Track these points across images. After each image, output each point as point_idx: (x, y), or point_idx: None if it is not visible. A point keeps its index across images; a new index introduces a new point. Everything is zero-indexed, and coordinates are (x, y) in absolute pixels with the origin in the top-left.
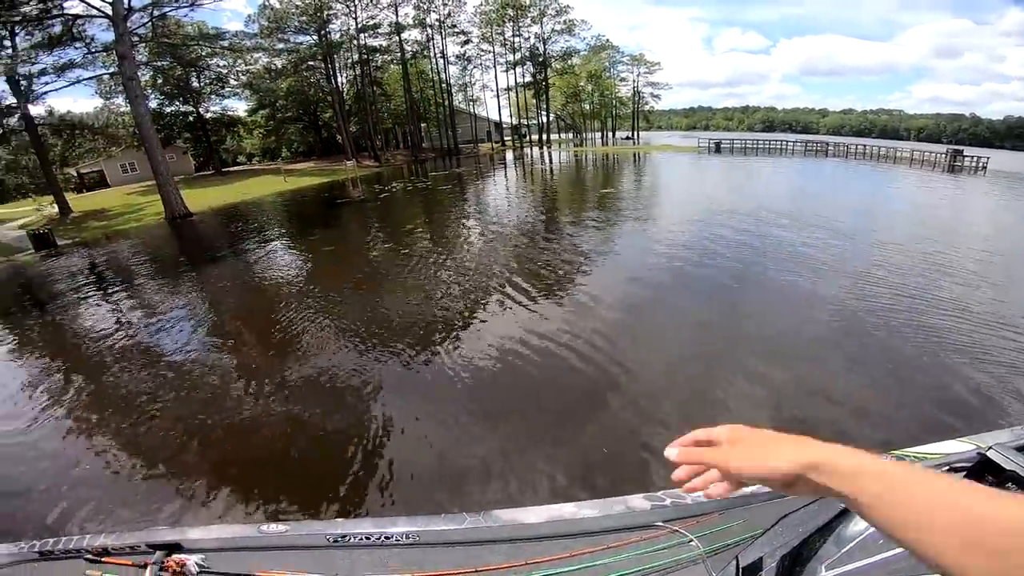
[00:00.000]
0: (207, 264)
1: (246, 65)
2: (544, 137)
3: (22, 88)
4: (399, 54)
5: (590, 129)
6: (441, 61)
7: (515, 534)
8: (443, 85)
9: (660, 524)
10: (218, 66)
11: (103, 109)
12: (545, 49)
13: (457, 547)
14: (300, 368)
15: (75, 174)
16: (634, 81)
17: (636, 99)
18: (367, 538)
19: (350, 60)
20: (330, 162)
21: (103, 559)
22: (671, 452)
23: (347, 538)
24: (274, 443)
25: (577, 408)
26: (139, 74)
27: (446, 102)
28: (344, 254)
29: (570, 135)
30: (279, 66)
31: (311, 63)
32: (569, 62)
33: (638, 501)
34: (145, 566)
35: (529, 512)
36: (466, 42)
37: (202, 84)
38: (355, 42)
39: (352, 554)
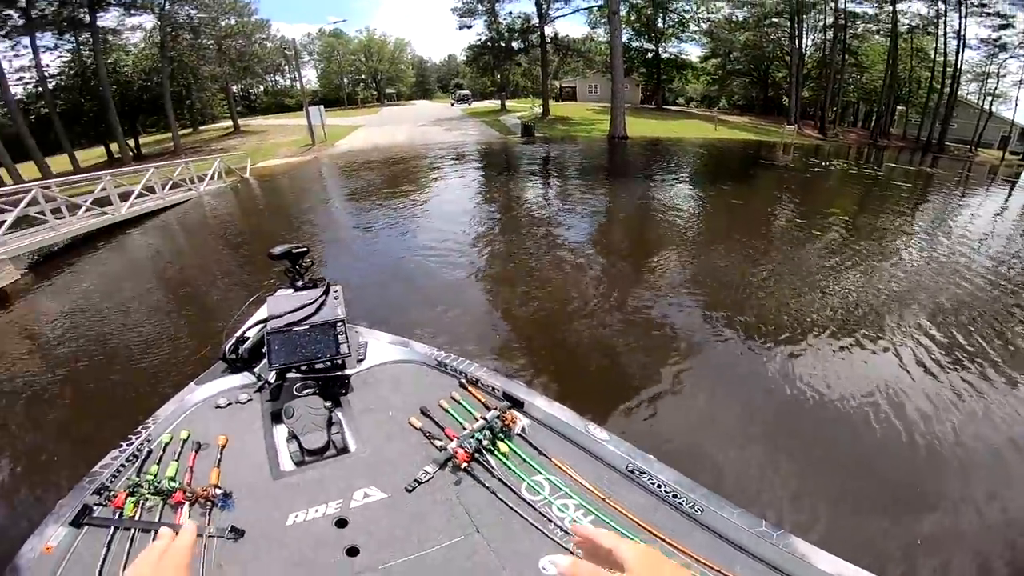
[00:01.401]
0: (623, 178)
1: (708, 13)
2: None
3: (542, 12)
4: (889, 26)
5: None
6: (954, 42)
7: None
8: (949, 70)
9: None
10: (683, 11)
11: (587, 37)
12: None
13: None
14: (644, 299)
15: (558, 86)
16: None
17: None
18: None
19: (822, 23)
20: (767, 122)
21: (470, 387)
22: (559, 561)
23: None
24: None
25: None
26: (619, 10)
27: (946, 89)
28: (747, 213)
29: None
30: (740, 18)
31: (775, 20)
32: None
33: None
34: (492, 409)
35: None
36: (1004, 26)
37: (666, 25)
38: (831, 4)
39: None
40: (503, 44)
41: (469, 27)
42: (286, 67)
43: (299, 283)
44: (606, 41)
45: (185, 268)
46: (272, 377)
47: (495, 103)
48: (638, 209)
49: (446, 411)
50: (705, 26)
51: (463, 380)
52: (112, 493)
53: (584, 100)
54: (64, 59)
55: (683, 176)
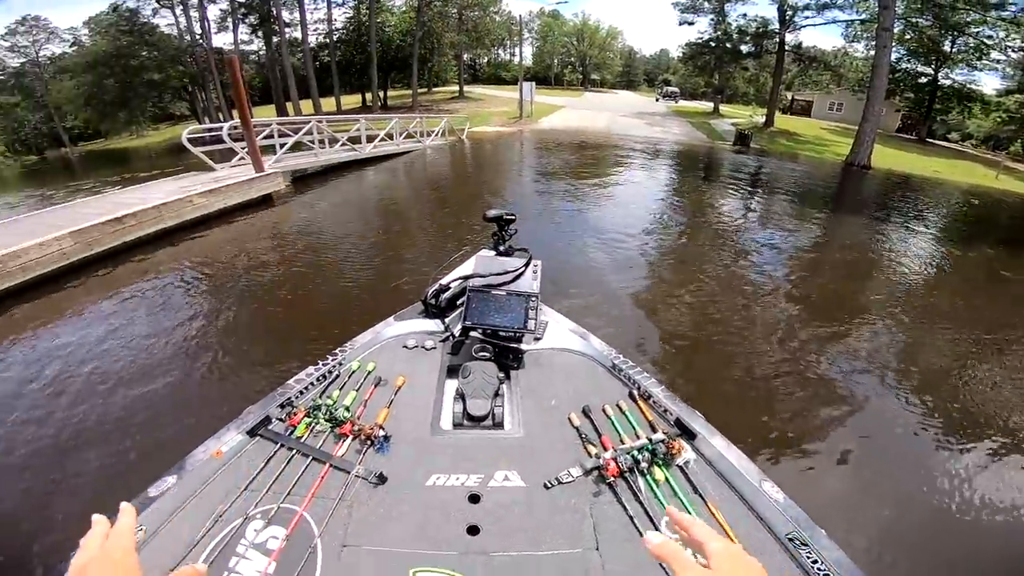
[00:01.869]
0: (849, 214)
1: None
2: None
3: (786, 18)
4: None
5: None
6: None
7: None
8: None
9: None
10: (984, 35)
11: (840, 50)
12: None
13: None
14: (834, 359)
15: (789, 97)
16: None
17: None
18: None
19: None
20: None
21: (640, 400)
22: (652, 538)
23: None
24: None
25: None
26: (892, 26)
27: None
28: (1017, 291)
29: None
30: None
31: None
32: None
33: None
34: (658, 431)
35: None
36: None
37: (954, 50)
38: None
39: None
40: (729, 46)
41: (691, 24)
42: (508, 41)
43: (501, 247)
44: (865, 57)
45: (400, 206)
46: (458, 331)
47: (705, 105)
48: (858, 253)
49: (608, 418)
50: (1017, 55)
51: (635, 391)
52: (293, 410)
53: (820, 117)
54: (348, 15)
55: (933, 225)
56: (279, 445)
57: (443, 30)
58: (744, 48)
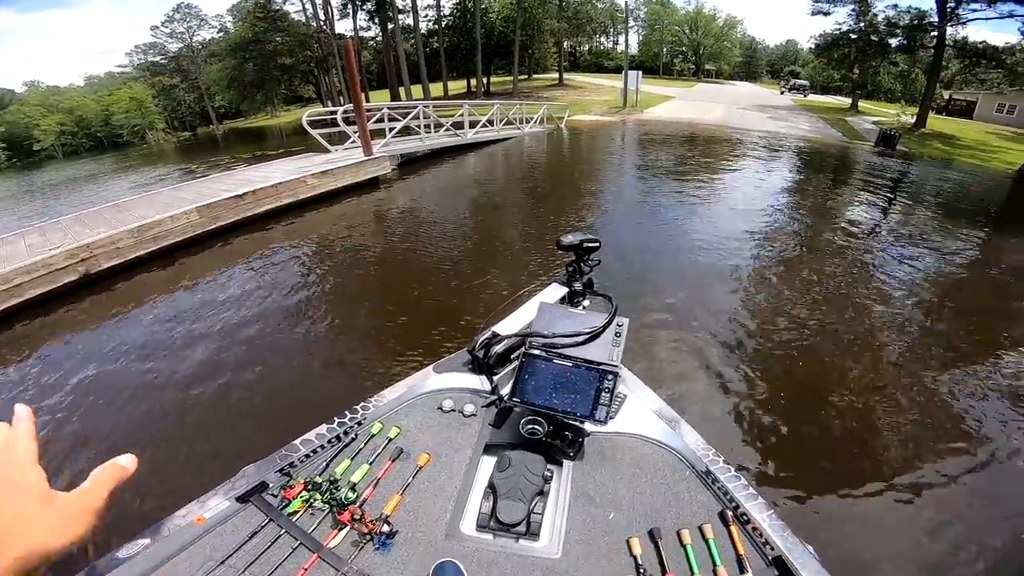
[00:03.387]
0: (1017, 235)
1: None
2: None
3: (946, 9)
4: None
5: None
6: None
7: None
8: None
9: None
10: None
11: (1016, 46)
12: None
13: None
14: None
15: (945, 97)
16: None
17: None
18: None
19: None
20: None
21: (734, 523)
22: None
23: None
24: None
25: None
26: None
27: None
28: None
29: None
30: None
31: None
32: None
33: None
34: (750, 572)
35: None
36: None
37: None
38: None
39: None
40: (875, 39)
41: (826, 14)
42: (611, 29)
43: (576, 284)
44: None
45: (494, 198)
46: (507, 393)
47: (839, 100)
48: (1017, 280)
49: (683, 546)
50: None
51: (730, 511)
52: (291, 480)
53: (985, 120)
54: (454, 1)
55: None
56: (268, 519)
57: (543, 17)
58: (893, 42)
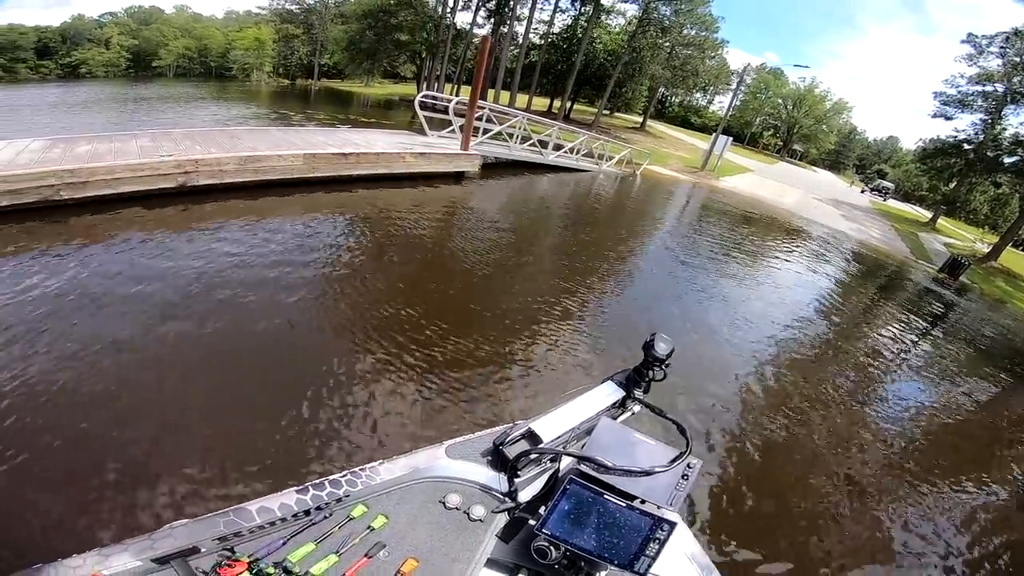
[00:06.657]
0: None
1: None
2: None
3: None
4: None
5: None
6: None
7: None
8: None
9: None
10: None
11: None
12: None
13: None
14: None
15: None
16: None
17: None
18: None
19: None
20: None
21: None
22: None
23: None
24: None
25: None
26: None
27: None
28: None
29: None
30: None
31: None
32: None
33: None
34: None
35: None
36: None
37: None
38: None
39: None
40: (991, 154)
41: (948, 118)
42: (711, 87)
43: (637, 391)
44: None
45: (557, 230)
46: (524, 501)
47: (918, 211)
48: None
49: None
50: None
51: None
52: (234, 555)
53: None
54: (567, 23)
55: None
56: None
57: (650, 60)
58: (1007, 160)
